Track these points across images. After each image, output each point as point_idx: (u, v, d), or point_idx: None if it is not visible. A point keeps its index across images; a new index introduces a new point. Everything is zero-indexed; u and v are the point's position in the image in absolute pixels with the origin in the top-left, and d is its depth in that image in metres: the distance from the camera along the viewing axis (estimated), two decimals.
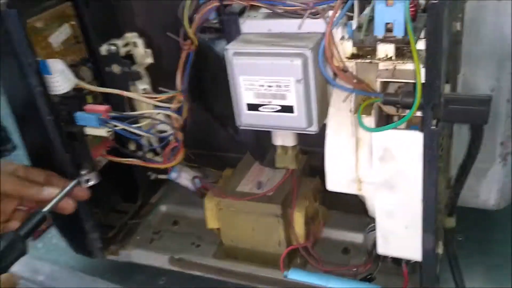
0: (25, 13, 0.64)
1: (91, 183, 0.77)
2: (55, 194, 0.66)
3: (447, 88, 0.54)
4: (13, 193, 0.64)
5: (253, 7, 0.62)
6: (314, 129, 0.61)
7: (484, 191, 0.82)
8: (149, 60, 0.84)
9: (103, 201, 0.88)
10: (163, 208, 0.95)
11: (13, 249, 0.60)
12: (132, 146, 0.86)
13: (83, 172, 0.74)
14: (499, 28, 0.70)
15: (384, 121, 0.64)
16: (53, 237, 0.97)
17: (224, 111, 0.72)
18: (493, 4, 0.69)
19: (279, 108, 0.60)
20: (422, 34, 0.52)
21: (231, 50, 0.60)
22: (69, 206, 0.68)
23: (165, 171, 0.89)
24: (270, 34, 0.62)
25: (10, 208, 0.65)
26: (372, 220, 0.69)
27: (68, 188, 0.68)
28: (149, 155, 0.88)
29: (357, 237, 0.82)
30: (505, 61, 0.72)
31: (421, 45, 0.50)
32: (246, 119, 0.62)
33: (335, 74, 0.56)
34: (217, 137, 0.92)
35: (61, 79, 0.70)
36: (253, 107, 0.61)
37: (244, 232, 0.78)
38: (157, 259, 0.83)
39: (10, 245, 0.60)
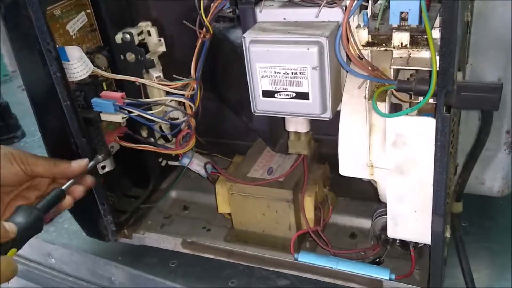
0: (45, 1, 0.65)
1: (106, 169, 0.79)
2: (84, 164, 0.68)
3: (459, 76, 0.55)
4: (44, 174, 0.66)
5: None
6: (328, 115, 0.63)
7: (489, 178, 0.85)
8: (162, 48, 0.85)
9: (115, 185, 0.90)
10: (173, 193, 0.97)
11: (31, 223, 0.59)
12: (144, 133, 0.88)
13: (99, 156, 0.75)
14: (506, 19, 0.72)
15: (393, 109, 0.66)
16: (65, 221, 0.99)
17: (238, 99, 0.74)
18: None
19: (294, 95, 0.62)
20: (436, 24, 0.54)
21: (248, 38, 0.61)
22: (78, 190, 0.69)
23: (176, 157, 0.91)
24: (286, 22, 0.63)
25: (43, 188, 0.67)
26: (380, 205, 0.72)
27: (91, 164, 0.70)
28: (160, 142, 0.90)
29: (364, 223, 0.84)
30: None
31: (435, 34, 0.52)
32: (261, 105, 0.64)
33: (349, 61, 0.58)
34: (227, 125, 0.93)
35: (78, 65, 0.72)
36: (268, 93, 0.63)
37: (255, 216, 0.80)
38: (170, 242, 0.85)
39: (30, 218, 0.59)
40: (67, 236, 0.96)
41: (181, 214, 0.93)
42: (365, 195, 0.84)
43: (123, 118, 0.76)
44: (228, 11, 0.72)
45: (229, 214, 0.84)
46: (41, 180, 0.67)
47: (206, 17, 0.69)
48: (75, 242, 0.95)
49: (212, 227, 0.88)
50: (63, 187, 0.66)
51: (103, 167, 0.79)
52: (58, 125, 0.73)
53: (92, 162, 0.72)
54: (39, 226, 0.61)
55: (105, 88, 0.79)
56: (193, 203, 0.95)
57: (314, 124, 0.71)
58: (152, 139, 0.88)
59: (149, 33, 0.83)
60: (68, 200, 0.67)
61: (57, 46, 0.68)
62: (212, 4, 0.68)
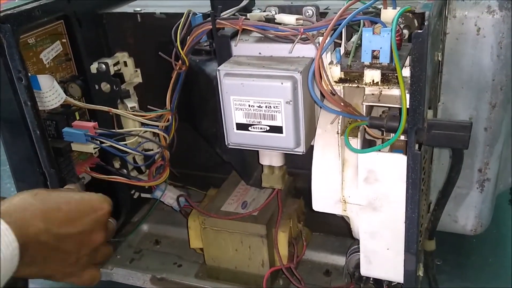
0: (18, 29, 0.65)
1: None
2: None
3: (430, 114, 0.56)
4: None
5: (245, 31, 0.64)
6: (301, 149, 0.63)
7: (462, 216, 0.85)
8: (138, 79, 0.85)
9: None
10: (145, 227, 0.95)
11: None
12: (116, 164, 0.86)
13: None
14: (477, 60, 0.74)
15: (367, 144, 0.66)
16: None
17: (212, 131, 0.73)
18: (472, 37, 0.73)
19: (268, 128, 0.61)
20: (406, 63, 0.55)
21: (222, 71, 0.61)
22: None
23: (149, 189, 0.89)
24: (261, 57, 0.64)
25: None
26: (354, 242, 0.71)
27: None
28: (133, 173, 0.88)
29: (338, 259, 0.83)
30: (483, 91, 0.76)
31: (405, 72, 0.53)
32: (235, 138, 0.64)
33: (323, 97, 0.58)
34: (202, 157, 0.92)
35: (50, 94, 0.71)
36: (242, 126, 0.62)
37: (227, 252, 0.78)
38: (139, 278, 0.82)
39: None
40: None
41: (152, 249, 0.91)
42: (340, 230, 0.83)
43: (94, 148, 0.75)
44: (205, 44, 0.72)
45: (201, 249, 0.82)
46: None
47: (182, 49, 0.69)
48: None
49: (183, 263, 0.86)
50: None
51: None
52: (27, 154, 0.71)
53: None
54: None
55: (77, 118, 0.78)
56: (165, 237, 0.93)
57: (289, 157, 0.71)
58: (125, 171, 0.86)
59: (125, 64, 0.83)
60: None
61: (30, 74, 0.68)
62: (188, 37, 0.69)
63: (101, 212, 0.58)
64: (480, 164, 0.81)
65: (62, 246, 0.53)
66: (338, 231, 0.86)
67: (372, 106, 0.61)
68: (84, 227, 0.55)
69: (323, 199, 0.62)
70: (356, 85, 0.55)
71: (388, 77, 0.54)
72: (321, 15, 0.67)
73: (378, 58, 0.54)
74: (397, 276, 0.62)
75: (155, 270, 0.84)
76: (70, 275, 0.57)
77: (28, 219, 0.50)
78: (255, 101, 0.60)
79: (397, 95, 0.56)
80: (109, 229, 0.61)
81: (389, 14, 0.58)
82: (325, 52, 0.57)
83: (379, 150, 0.56)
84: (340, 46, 0.60)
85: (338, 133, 0.59)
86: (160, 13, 0.79)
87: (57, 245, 0.53)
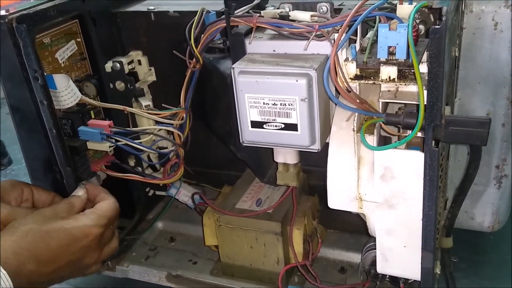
0: (34, 29, 0.65)
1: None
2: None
3: (447, 110, 0.55)
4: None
5: (259, 29, 0.64)
6: (316, 147, 0.62)
7: (479, 213, 0.84)
8: (152, 78, 0.85)
9: None
10: (159, 224, 0.96)
11: None
12: (131, 162, 0.87)
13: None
14: (495, 55, 0.73)
15: (383, 141, 0.66)
16: None
17: (227, 129, 0.73)
18: (490, 32, 0.72)
19: (283, 126, 0.61)
20: (423, 58, 0.55)
21: (237, 69, 0.61)
22: None
23: (164, 187, 0.90)
24: (275, 54, 0.64)
25: None
26: (370, 239, 0.70)
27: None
28: (148, 171, 0.89)
29: (353, 257, 0.83)
30: (501, 87, 0.74)
31: (422, 68, 0.52)
32: (249, 136, 0.64)
33: (338, 94, 0.58)
34: (216, 155, 0.93)
35: (66, 94, 0.71)
36: (257, 124, 0.62)
37: (242, 249, 0.78)
38: (155, 275, 0.83)
39: None
40: None
41: (167, 246, 0.91)
42: (355, 228, 0.83)
43: (110, 147, 0.75)
44: (218, 42, 0.72)
45: (216, 246, 0.82)
46: None
47: (196, 47, 0.69)
48: None
49: (198, 260, 0.86)
50: None
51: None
52: (43, 153, 0.72)
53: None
54: None
55: (92, 117, 0.78)
56: (179, 234, 0.93)
57: (304, 155, 0.70)
58: (140, 169, 0.87)
59: (139, 62, 0.83)
60: None
61: (45, 74, 0.68)
62: (202, 35, 0.68)
63: (90, 237, 0.63)
64: (498, 161, 0.80)
65: (55, 276, 0.61)
66: (353, 229, 0.85)
67: (388, 103, 0.61)
68: (74, 255, 0.61)
69: (339, 197, 0.62)
70: (372, 82, 0.55)
71: (405, 73, 0.53)
72: (335, 11, 0.66)
73: (394, 54, 0.53)
74: (414, 273, 0.61)
75: (171, 267, 0.84)
76: None
77: (21, 264, 0.56)
78: (269, 98, 0.60)
79: (414, 91, 0.55)
80: (110, 246, 0.68)
81: (405, 9, 0.57)
82: (340, 49, 0.56)
83: (396, 147, 0.56)
84: (355, 43, 0.59)
85: (354, 130, 0.58)
86: (174, 11, 0.79)
87: (51, 277, 0.60)
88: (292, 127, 0.61)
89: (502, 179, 0.81)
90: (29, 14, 0.65)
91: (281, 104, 0.60)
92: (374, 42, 0.56)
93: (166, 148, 0.84)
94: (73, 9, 0.74)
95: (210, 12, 0.71)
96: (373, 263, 0.68)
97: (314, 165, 0.77)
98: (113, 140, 0.74)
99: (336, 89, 0.57)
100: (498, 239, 0.87)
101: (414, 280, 0.66)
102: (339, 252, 0.85)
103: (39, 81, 0.66)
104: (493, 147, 0.78)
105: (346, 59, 0.57)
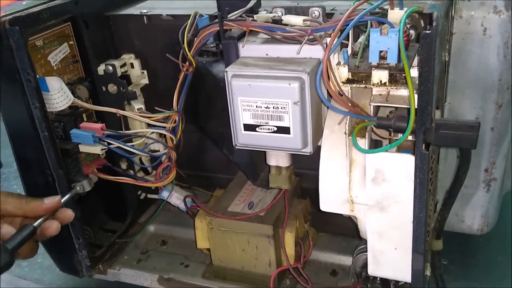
0: (26, 31, 0.65)
1: (87, 189, 0.77)
2: (57, 201, 0.64)
3: (437, 114, 0.56)
4: (15, 212, 0.62)
5: (252, 32, 0.64)
6: (309, 150, 0.63)
7: (469, 216, 0.85)
8: (145, 80, 0.85)
9: (92, 219, 0.88)
10: (151, 227, 0.95)
11: None
12: (123, 165, 0.87)
13: (77, 188, 0.74)
14: (484, 60, 0.74)
15: (374, 145, 0.67)
16: (39, 256, 0.95)
17: (219, 132, 0.73)
18: (479, 37, 0.73)
19: (275, 129, 0.61)
20: (414, 63, 0.55)
21: (230, 72, 0.61)
22: (53, 226, 0.62)
23: (156, 190, 0.90)
24: (268, 58, 0.64)
25: (17, 225, 0.63)
26: (361, 242, 0.71)
27: (67, 197, 0.67)
28: (140, 174, 0.89)
29: (345, 260, 0.83)
30: (489, 91, 0.76)
31: (413, 72, 0.53)
32: (242, 139, 0.64)
33: (330, 97, 0.58)
34: (208, 158, 0.93)
35: (58, 96, 0.71)
36: (250, 127, 0.63)
37: (234, 252, 0.78)
38: (146, 279, 0.82)
39: None
40: (40, 271, 0.93)
41: (159, 249, 0.91)
42: (347, 231, 0.84)
43: (102, 149, 0.75)
44: (211, 45, 0.73)
45: (208, 249, 0.82)
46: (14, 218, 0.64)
47: (189, 51, 0.70)
48: (48, 277, 0.92)
49: (190, 263, 0.86)
50: (35, 224, 0.63)
51: (82, 188, 0.76)
52: (35, 156, 0.72)
53: (68, 195, 0.69)
54: (8, 263, 0.59)
55: (85, 119, 0.78)
56: (171, 237, 0.93)
57: (296, 158, 0.71)
58: (132, 172, 0.87)
59: (132, 65, 0.83)
60: (54, 225, 0.61)
61: (38, 76, 0.68)
62: (195, 38, 0.69)
63: None
64: (487, 164, 0.81)
65: None
66: (344, 231, 0.86)
67: (379, 106, 0.61)
68: None
69: (331, 199, 0.63)
70: (363, 86, 0.55)
71: (396, 77, 0.54)
72: (327, 16, 0.67)
73: (386, 59, 0.54)
74: (405, 275, 0.62)
75: (162, 270, 0.84)
76: None
77: None
78: (262, 102, 0.61)
79: (405, 95, 0.56)
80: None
81: (396, 14, 0.58)
82: (332, 53, 0.57)
83: (387, 150, 0.57)
84: (347, 47, 0.60)
85: (345, 133, 0.59)
86: (167, 15, 0.80)
87: None
88: (284, 130, 0.61)
89: (491, 182, 0.82)
90: (22, 16, 0.65)
91: (273, 107, 0.60)
92: (366, 46, 0.57)
93: (158, 151, 0.84)
94: (66, 12, 0.74)
95: (203, 16, 0.71)
96: (364, 265, 0.68)
97: (306, 168, 0.77)
98: (106, 143, 0.74)
99: (328, 93, 0.57)
100: (487, 241, 0.88)
101: (405, 282, 0.67)
102: (330, 255, 0.85)
103: (32, 83, 0.66)
104: (482, 151, 0.79)
105: (338, 63, 0.57)
